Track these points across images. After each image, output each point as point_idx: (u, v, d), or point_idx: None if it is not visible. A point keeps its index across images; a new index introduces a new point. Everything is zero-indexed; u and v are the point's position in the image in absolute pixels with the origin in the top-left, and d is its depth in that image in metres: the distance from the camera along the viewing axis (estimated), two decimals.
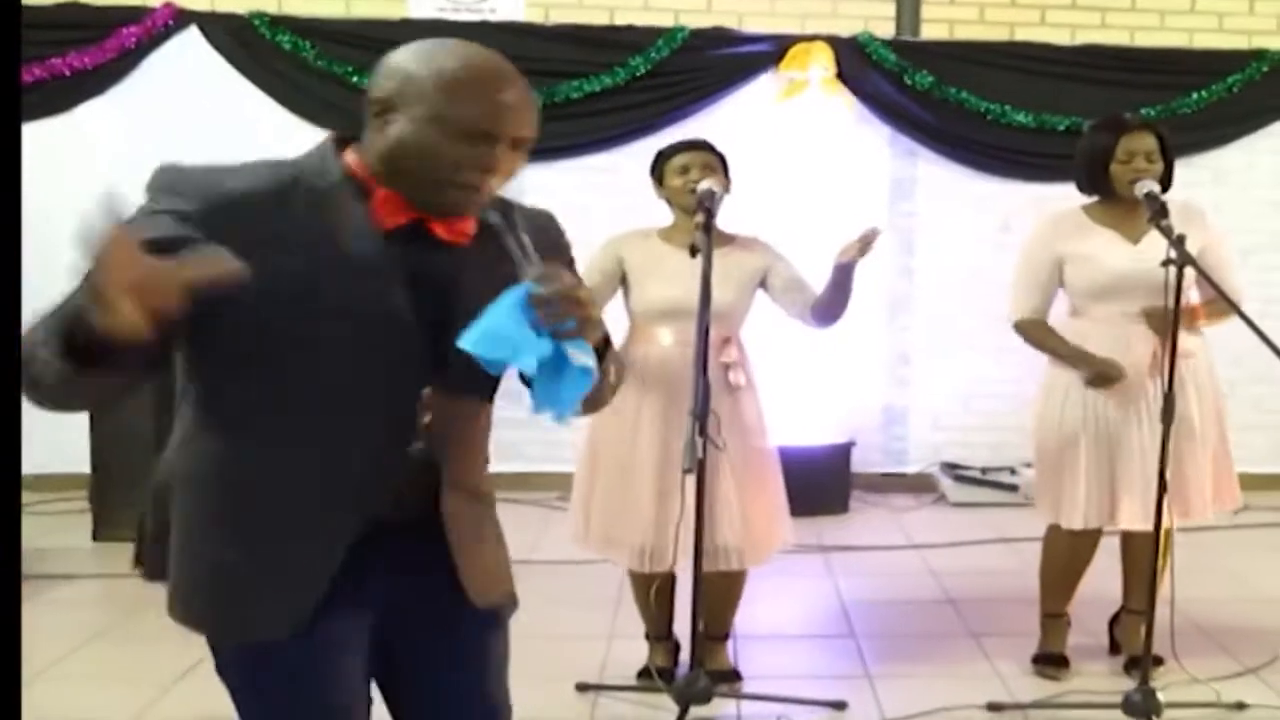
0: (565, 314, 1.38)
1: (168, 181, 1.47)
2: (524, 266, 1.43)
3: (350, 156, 1.52)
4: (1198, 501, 3.24)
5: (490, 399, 1.66)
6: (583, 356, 1.40)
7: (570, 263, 1.70)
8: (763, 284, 3.23)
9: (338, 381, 1.48)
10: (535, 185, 5.85)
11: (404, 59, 1.48)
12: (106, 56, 5.34)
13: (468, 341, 1.38)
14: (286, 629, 1.50)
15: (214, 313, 1.32)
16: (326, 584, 1.51)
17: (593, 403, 1.62)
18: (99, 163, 5.44)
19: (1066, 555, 3.42)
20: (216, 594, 1.54)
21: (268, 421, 1.49)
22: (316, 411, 1.48)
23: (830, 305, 3.12)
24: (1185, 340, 2.99)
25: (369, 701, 1.68)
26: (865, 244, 2.95)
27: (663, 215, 3.29)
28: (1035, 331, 3.36)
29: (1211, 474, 3.29)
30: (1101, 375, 3.20)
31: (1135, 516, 3.20)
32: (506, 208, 1.56)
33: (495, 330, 1.37)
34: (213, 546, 1.52)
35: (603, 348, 1.53)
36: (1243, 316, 2.75)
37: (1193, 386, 3.22)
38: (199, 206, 1.42)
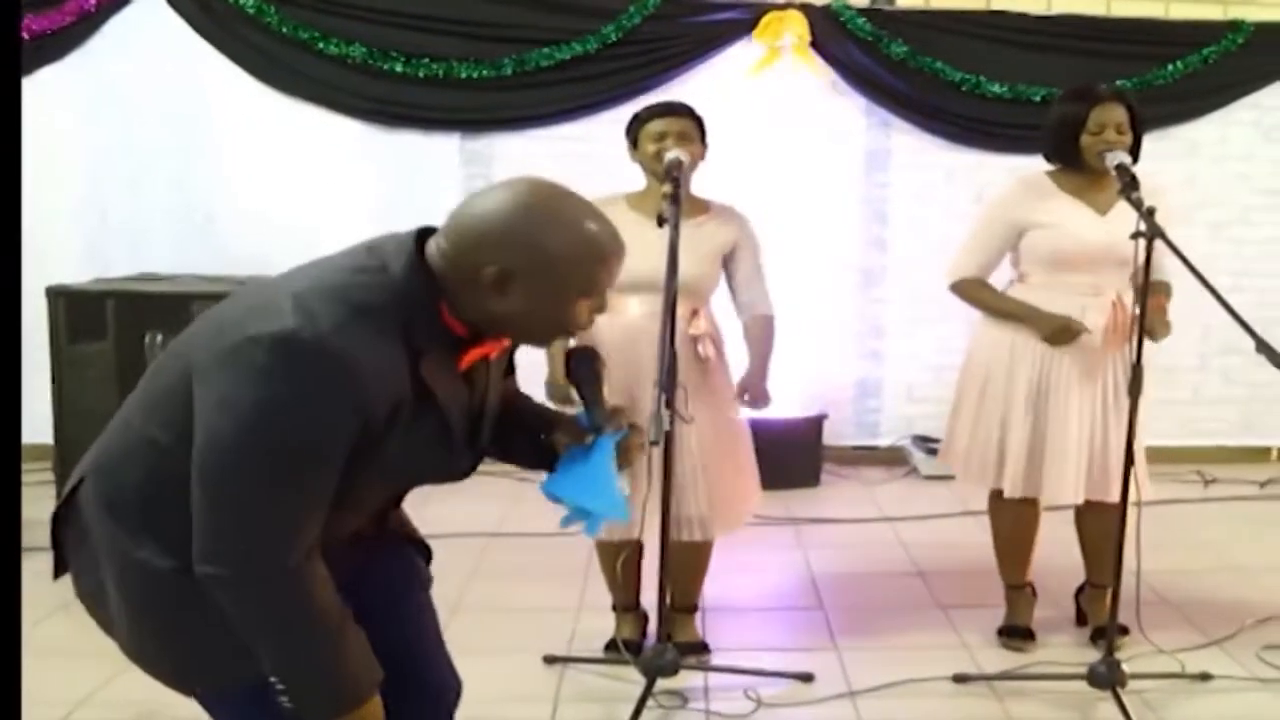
0: (635, 459, 1.70)
1: (332, 372, 1.40)
2: (593, 410, 1.69)
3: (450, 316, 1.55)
4: (1115, 481, 3.21)
5: None
6: (627, 488, 1.75)
7: None
8: (724, 260, 3.20)
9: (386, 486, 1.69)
10: (507, 154, 5.87)
11: (521, 228, 1.49)
12: (65, 20, 5.22)
13: (558, 488, 1.62)
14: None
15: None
16: None
17: None
18: (59, 129, 5.35)
19: (1010, 524, 3.43)
20: (184, 647, 1.64)
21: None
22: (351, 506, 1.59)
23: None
24: (1133, 316, 2.98)
25: None
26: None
27: (638, 181, 3.24)
28: (980, 291, 3.35)
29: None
30: (1063, 329, 3.16)
31: (1061, 491, 3.21)
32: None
33: (591, 483, 1.61)
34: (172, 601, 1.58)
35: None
36: (1213, 292, 2.73)
37: (1126, 367, 3.19)
38: (361, 402, 1.43)
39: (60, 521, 1.65)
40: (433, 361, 1.51)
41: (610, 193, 3.23)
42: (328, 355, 1.38)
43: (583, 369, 1.74)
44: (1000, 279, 3.44)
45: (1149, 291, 3.00)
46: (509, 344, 1.69)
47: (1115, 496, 3.02)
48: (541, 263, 1.48)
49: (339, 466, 1.44)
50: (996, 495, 3.39)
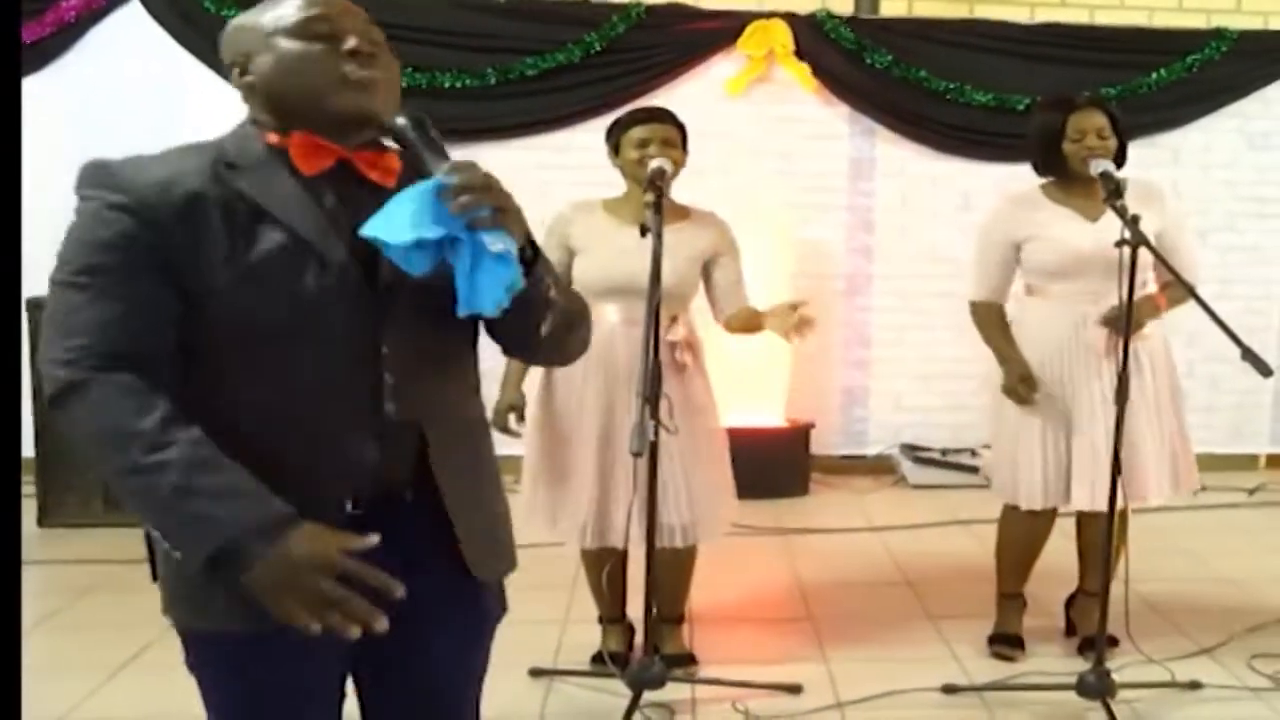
0: (477, 202, 1.34)
1: (96, 177, 1.43)
2: (434, 162, 1.40)
3: (268, 134, 1.51)
4: (1153, 484, 3.22)
5: (463, 349, 1.59)
6: (498, 243, 1.34)
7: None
8: (704, 266, 3.18)
9: (295, 346, 1.43)
10: (491, 163, 5.82)
11: (232, 27, 1.53)
12: (45, 31, 5.20)
13: (370, 228, 1.34)
14: (244, 621, 1.41)
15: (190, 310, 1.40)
16: None
17: (559, 342, 1.57)
18: (39, 140, 5.30)
19: (1023, 535, 3.41)
20: (183, 580, 1.47)
21: (235, 398, 1.43)
22: (280, 382, 1.43)
23: (740, 330, 3.19)
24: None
25: (339, 694, 1.63)
26: (794, 331, 2.90)
27: (619, 187, 3.22)
28: (984, 317, 3.37)
29: (1168, 456, 3.28)
30: (1011, 389, 3.23)
31: (1086, 498, 3.20)
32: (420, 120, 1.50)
33: (397, 213, 1.34)
34: None
35: (530, 252, 1.46)
36: (1198, 299, 2.72)
37: (1149, 368, 3.22)
38: (131, 198, 1.40)
39: None
40: (256, 176, 1.45)
41: (588, 197, 3.22)
42: (100, 166, 1.45)
43: (405, 119, 1.46)
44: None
45: (1170, 289, 3.05)
46: (395, 164, 1.52)
47: (1137, 499, 3.06)
48: (253, 33, 1.49)
49: (121, 266, 1.38)
50: (1012, 506, 3.38)
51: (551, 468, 3.14)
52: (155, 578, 1.54)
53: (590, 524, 3.08)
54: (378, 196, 1.43)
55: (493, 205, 1.35)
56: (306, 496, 1.40)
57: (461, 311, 1.36)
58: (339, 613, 1.32)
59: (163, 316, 1.40)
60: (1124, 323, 2.85)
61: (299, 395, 1.44)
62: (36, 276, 5.24)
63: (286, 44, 1.46)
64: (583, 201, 3.20)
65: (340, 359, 1.45)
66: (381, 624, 1.33)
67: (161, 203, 1.39)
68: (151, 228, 1.39)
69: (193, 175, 1.43)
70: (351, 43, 1.46)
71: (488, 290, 1.35)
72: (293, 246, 1.42)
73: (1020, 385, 3.21)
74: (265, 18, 1.49)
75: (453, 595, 1.60)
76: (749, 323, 3.13)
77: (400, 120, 1.45)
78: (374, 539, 1.37)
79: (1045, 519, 3.36)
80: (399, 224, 1.34)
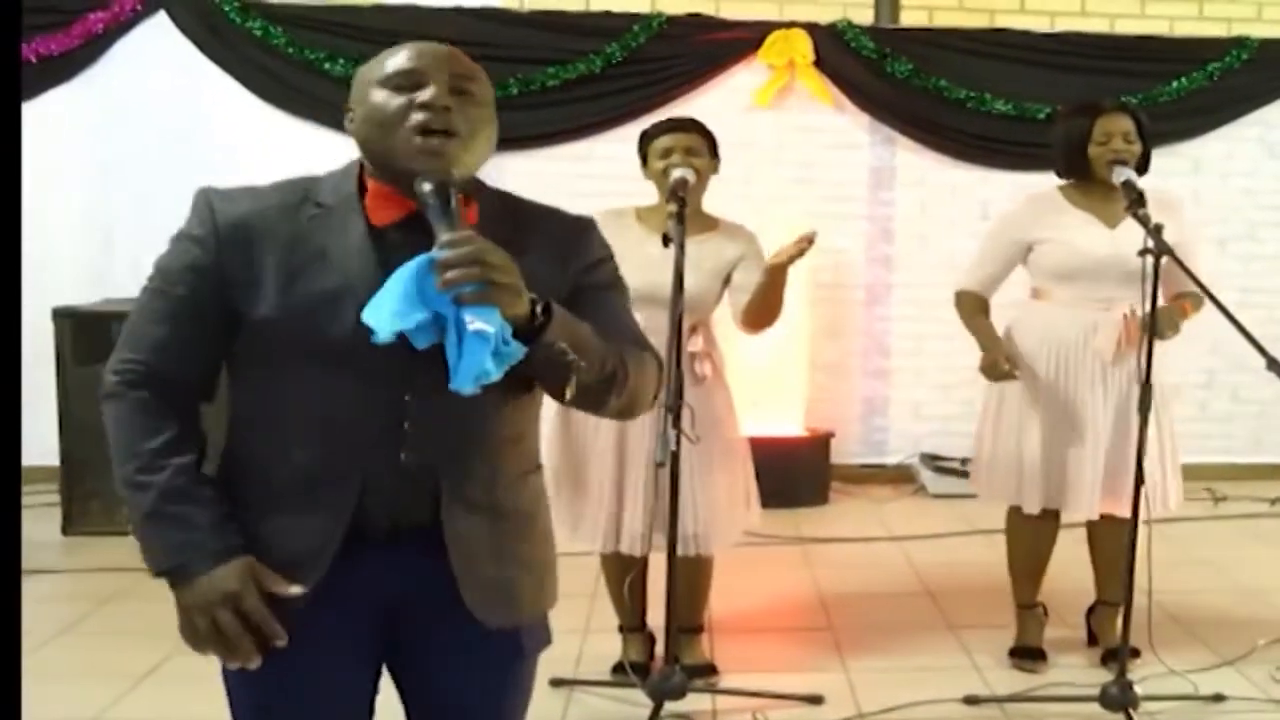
0: (462, 279, 1.33)
1: (195, 204, 1.56)
2: (440, 233, 1.38)
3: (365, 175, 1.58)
4: (1156, 496, 3.19)
5: (498, 405, 1.54)
6: (479, 322, 1.33)
7: (591, 269, 1.65)
8: (729, 275, 3.18)
9: (333, 377, 1.48)
10: (512, 172, 5.88)
11: (357, 73, 1.59)
12: (73, 43, 5.26)
13: (367, 310, 1.36)
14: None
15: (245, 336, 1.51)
16: (311, 584, 1.50)
17: (594, 404, 1.56)
18: (66, 151, 5.38)
19: (1029, 540, 3.41)
20: None
21: (283, 405, 1.52)
22: (319, 402, 1.50)
23: (759, 310, 3.05)
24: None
25: (370, 695, 1.66)
26: (801, 247, 2.83)
27: (644, 196, 3.24)
28: (967, 305, 3.39)
29: (1163, 469, 3.26)
30: (990, 365, 3.19)
31: (1086, 505, 3.20)
32: (510, 203, 1.59)
33: (391, 293, 1.35)
34: None
35: (543, 317, 1.43)
36: (1222, 310, 2.71)
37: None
38: (208, 232, 1.51)
39: None
40: (334, 219, 1.52)
41: (622, 205, 3.23)
42: (201, 194, 1.55)
43: (428, 185, 1.43)
44: (1014, 293, 3.47)
45: (1182, 299, 3.00)
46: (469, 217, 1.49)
47: (1149, 510, 3.01)
48: (359, 80, 1.56)
49: (189, 295, 1.51)
50: (1015, 511, 3.37)
51: (570, 475, 3.16)
52: None
53: (607, 530, 3.10)
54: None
55: (479, 281, 1.34)
56: (327, 511, 1.50)
57: (451, 387, 1.37)
58: (218, 646, 1.47)
59: (206, 348, 1.53)
60: (1148, 332, 2.85)
61: (334, 419, 1.50)
62: (63, 285, 5.31)
63: (374, 95, 1.51)
64: (616, 209, 3.21)
65: (369, 398, 1.49)
66: (253, 663, 1.47)
67: (233, 238, 1.50)
68: (218, 263, 1.50)
69: (274, 212, 1.52)
70: (427, 95, 1.48)
71: (468, 369, 1.35)
72: (340, 291, 1.47)
73: (1004, 362, 3.15)
74: (372, 66, 1.55)
75: (455, 636, 1.60)
76: (757, 293, 3.03)
77: (425, 186, 1.43)
78: (295, 589, 1.49)
79: (1048, 523, 3.36)
80: (387, 310, 1.35)
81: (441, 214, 1.41)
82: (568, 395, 1.49)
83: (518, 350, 1.38)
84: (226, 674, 1.58)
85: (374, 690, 1.66)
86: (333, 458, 1.50)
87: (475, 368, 1.35)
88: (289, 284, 1.48)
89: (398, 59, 1.52)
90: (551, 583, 1.74)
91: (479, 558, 1.57)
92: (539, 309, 1.43)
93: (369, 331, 1.38)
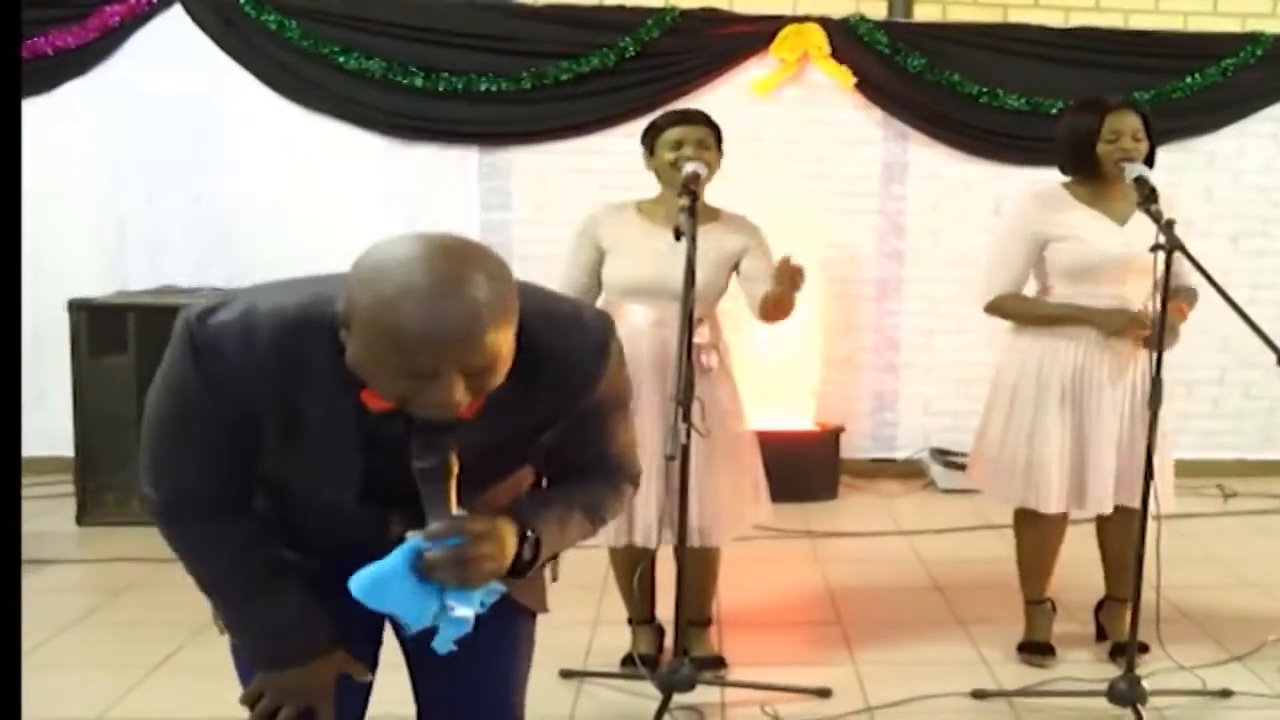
0: (449, 579, 1.39)
1: (183, 350, 1.47)
2: (430, 515, 1.41)
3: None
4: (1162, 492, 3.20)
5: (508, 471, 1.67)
6: (461, 609, 1.42)
7: (600, 397, 1.60)
8: (735, 266, 3.19)
9: (319, 520, 1.61)
10: (525, 168, 5.90)
11: (357, 273, 1.34)
12: (89, 36, 5.28)
13: (355, 585, 1.40)
14: None
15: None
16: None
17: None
18: (82, 143, 5.41)
19: (1037, 538, 3.41)
20: None
21: (280, 509, 1.63)
22: (309, 524, 1.63)
23: (772, 313, 3.11)
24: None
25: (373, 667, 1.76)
26: (794, 283, 2.90)
27: (653, 190, 3.24)
28: (1017, 304, 3.31)
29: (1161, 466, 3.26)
30: (1130, 321, 3.11)
31: (1104, 501, 3.20)
32: (522, 347, 1.41)
33: (380, 586, 1.40)
34: None
35: (529, 555, 1.50)
36: (1234, 306, 2.72)
37: (1145, 381, 3.16)
38: (204, 385, 1.46)
39: None
40: (325, 393, 1.45)
41: (622, 199, 3.25)
42: (193, 347, 1.44)
43: (425, 464, 1.41)
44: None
45: (1174, 296, 3.01)
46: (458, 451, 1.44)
47: (1137, 504, 3.01)
48: (359, 316, 1.32)
49: (215, 439, 1.50)
50: (1023, 510, 3.37)
51: None
52: None
53: (618, 523, 3.11)
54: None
55: (465, 577, 1.40)
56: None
57: (431, 644, 1.46)
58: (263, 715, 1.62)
59: (243, 460, 1.55)
60: (1158, 328, 2.85)
61: (326, 529, 1.62)
62: (78, 277, 5.34)
63: (375, 368, 1.34)
64: (616, 203, 3.23)
65: (355, 531, 1.56)
66: None
67: (230, 398, 1.46)
68: (220, 409, 1.48)
69: (263, 382, 1.44)
70: (438, 391, 1.32)
71: (447, 638, 1.45)
72: (315, 460, 1.53)
73: (1136, 316, 3.11)
74: (371, 323, 1.30)
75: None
76: (769, 301, 3.08)
77: (422, 464, 1.40)
78: (369, 677, 1.70)
79: (1057, 521, 3.36)
80: (381, 595, 1.41)
81: (434, 494, 1.41)
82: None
83: (500, 590, 1.48)
84: (236, 650, 1.70)
85: (375, 662, 1.76)
86: (325, 541, 1.62)
87: (455, 636, 1.45)
88: (279, 446, 1.52)
89: (403, 344, 1.29)
90: (534, 595, 1.84)
91: None
92: (528, 546, 1.50)
93: (351, 494, 1.54)
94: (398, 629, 1.69)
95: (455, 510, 1.41)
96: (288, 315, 1.43)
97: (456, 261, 1.31)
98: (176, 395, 1.49)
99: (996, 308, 3.33)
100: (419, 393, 1.33)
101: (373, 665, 1.76)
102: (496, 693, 1.78)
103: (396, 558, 1.39)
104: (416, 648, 1.71)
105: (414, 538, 1.39)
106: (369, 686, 1.74)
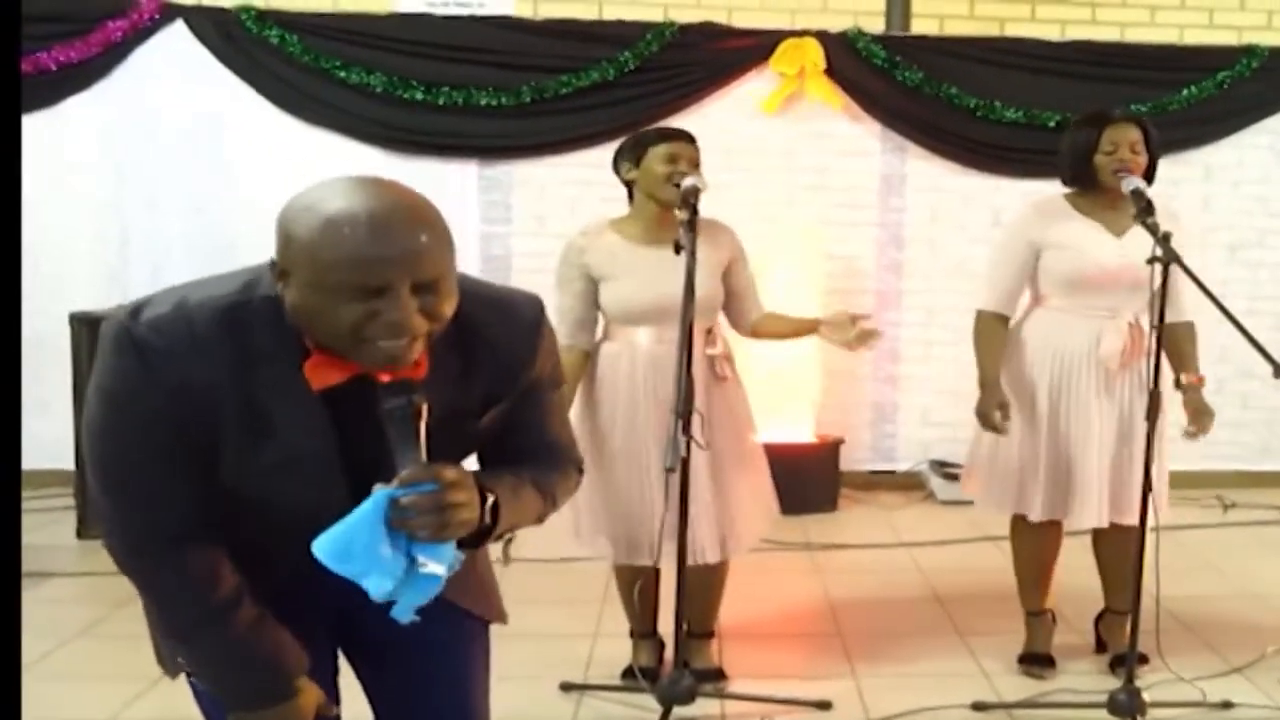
0: (424, 527, 1.33)
1: (124, 350, 1.39)
2: (399, 458, 1.36)
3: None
4: (1135, 503, 3.21)
5: None
6: (432, 564, 1.36)
7: (539, 376, 1.60)
8: (723, 276, 3.21)
9: (281, 527, 1.46)
10: (525, 181, 5.91)
11: (288, 215, 1.35)
12: (92, 51, 5.31)
13: (319, 548, 1.33)
14: None
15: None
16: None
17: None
18: (84, 157, 5.43)
19: (1032, 548, 3.42)
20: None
21: (232, 530, 1.50)
22: (268, 534, 1.50)
23: (776, 337, 3.28)
24: (1148, 341, 2.99)
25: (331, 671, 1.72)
26: (866, 338, 3.07)
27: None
28: (985, 329, 3.35)
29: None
30: (988, 416, 3.22)
31: (1092, 515, 3.21)
32: (460, 323, 1.43)
33: (347, 543, 1.33)
34: None
35: (486, 526, 1.45)
36: (1230, 318, 2.74)
37: (1142, 390, 3.18)
38: (152, 389, 1.38)
39: None
40: (275, 374, 1.40)
41: (597, 220, 3.24)
42: (132, 344, 1.37)
43: (393, 404, 1.38)
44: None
45: (1183, 367, 3.14)
46: (421, 366, 1.41)
47: (1130, 519, 3.02)
48: (295, 253, 1.32)
49: (166, 456, 1.40)
50: (1019, 519, 3.39)
51: (605, 490, 3.16)
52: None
53: (622, 541, 3.12)
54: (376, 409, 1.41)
55: (436, 525, 1.34)
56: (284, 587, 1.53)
57: (391, 613, 1.39)
58: None
59: (209, 474, 1.44)
60: (1154, 339, 2.86)
61: (285, 549, 1.46)
62: (79, 290, 5.35)
63: (320, 298, 1.31)
64: (590, 226, 3.22)
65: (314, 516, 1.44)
66: None
67: (184, 399, 1.39)
68: (183, 421, 1.40)
69: (211, 370, 1.39)
70: (394, 308, 1.31)
71: (409, 604, 1.38)
72: (289, 463, 1.44)
73: (996, 413, 3.20)
74: (310, 249, 1.30)
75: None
76: (796, 328, 3.20)
77: (390, 404, 1.37)
78: (335, 710, 1.62)
79: (1052, 531, 3.37)
80: (346, 554, 1.34)
81: (404, 437, 1.37)
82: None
83: (461, 558, 1.41)
84: (199, 692, 1.64)
85: (337, 696, 1.72)
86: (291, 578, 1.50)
87: (419, 602, 1.38)
88: (240, 451, 1.42)
89: (353, 273, 1.29)
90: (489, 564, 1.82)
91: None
92: (486, 510, 1.44)
93: (319, 496, 1.43)
94: (352, 647, 1.68)
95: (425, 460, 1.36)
96: (221, 303, 1.39)
97: (389, 185, 1.35)
98: (123, 407, 1.38)
99: (976, 321, 3.38)
100: (374, 317, 1.31)
101: (335, 698, 1.70)
102: (457, 705, 1.75)
103: (365, 509, 1.32)
104: (372, 672, 1.72)
105: (383, 490, 1.33)
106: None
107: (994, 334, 3.34)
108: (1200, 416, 3.18)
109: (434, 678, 1.72)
